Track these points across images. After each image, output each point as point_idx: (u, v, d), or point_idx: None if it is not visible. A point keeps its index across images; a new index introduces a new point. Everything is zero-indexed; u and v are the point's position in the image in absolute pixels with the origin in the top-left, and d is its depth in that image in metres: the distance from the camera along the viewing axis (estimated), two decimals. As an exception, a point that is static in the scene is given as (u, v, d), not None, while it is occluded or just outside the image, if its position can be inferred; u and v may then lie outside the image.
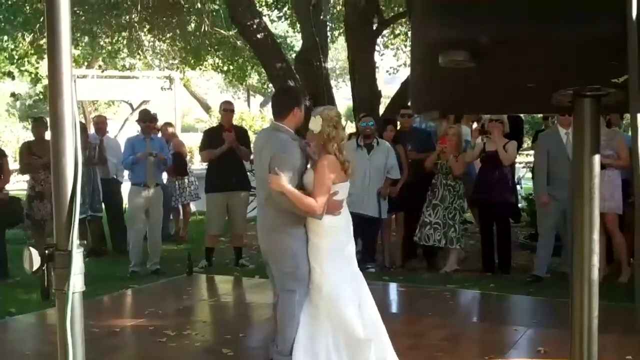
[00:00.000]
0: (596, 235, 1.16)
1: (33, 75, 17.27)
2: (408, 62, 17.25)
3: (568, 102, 1.15)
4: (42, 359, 5.91)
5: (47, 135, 9.52)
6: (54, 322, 5.33)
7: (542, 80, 1.06)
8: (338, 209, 5.02)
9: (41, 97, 19.88)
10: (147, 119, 9.74)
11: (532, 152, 13.01)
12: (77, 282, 1.70)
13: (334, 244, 5.02)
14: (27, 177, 9.70)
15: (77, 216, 1.68)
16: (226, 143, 9.33)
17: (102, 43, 17.05)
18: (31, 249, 1.68)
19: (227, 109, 9.94)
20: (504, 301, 7.84)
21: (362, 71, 11.70)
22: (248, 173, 9.86)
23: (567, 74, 1.05)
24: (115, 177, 11.14)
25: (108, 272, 8.96)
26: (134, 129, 14.59)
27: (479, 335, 6.64)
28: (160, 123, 11.77)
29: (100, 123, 11.34)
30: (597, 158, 1.15)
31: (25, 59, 16.58)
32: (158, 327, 6.64)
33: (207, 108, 29.97)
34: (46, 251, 1.69)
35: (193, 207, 13.53)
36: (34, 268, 1.68)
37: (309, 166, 5.10)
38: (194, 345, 6.14)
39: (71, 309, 1.69)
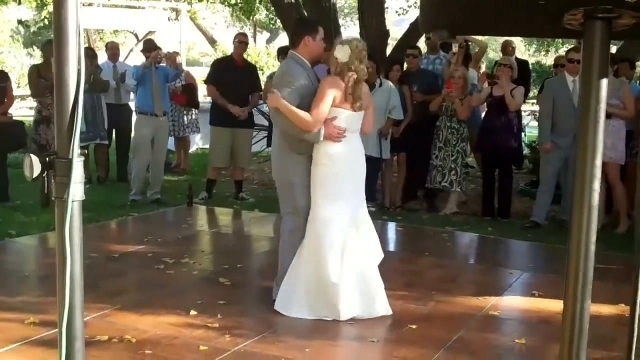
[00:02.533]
0: (598, 161, 1.15)
1: (39, 1, 17.10)
2: (418, 2, 17.06)
3: (579, 25, 1.13)
4: (40, 280, 5.98)
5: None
6: (53, 246, 5.39)
7: (553, -2, 1.05)
8: (337, 136, 4.99)
9: (46, 22, 19.72)
10: (152, 48, 9.67)
11: (535, 101, 12.93)
12: (76, 190, 1.71)
13: (329, 174, 5.03)
14: (32, 102, 9.66)
15: (78, 125, 1.68)
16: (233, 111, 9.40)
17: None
18: (32, 155, 1.68)
19: (242, 40, 9.87)
20: (501, 245, 7.89)
21: (370, 10, 11.57)
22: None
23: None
24: (127, 103, 11.05)
25: (108, 200, 9.01)
26: (138, 59, 14.48)
27: (474, 276, 6.70)
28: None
29: (114, 49, 11.30)
30: (604, 82, 1.14)
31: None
32: (156, 254, 6.70)
33: (212, 42, 29.71)
34: (47, 159, 1.69)
35: (197, 139, 13.59)
36: (34, 175, 1.68)
37: None
38: (192, 273, 6.19)
39: (70, 217, 1.70)
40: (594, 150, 1.14)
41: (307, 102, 5.05)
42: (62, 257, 1.71)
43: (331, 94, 4.95)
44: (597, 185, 1.16)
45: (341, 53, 4.99)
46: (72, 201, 1.71)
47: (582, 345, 1.21)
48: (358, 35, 11.11)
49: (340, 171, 5.03)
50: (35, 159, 1.68)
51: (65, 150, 1.69)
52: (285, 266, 5.21)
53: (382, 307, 5.10)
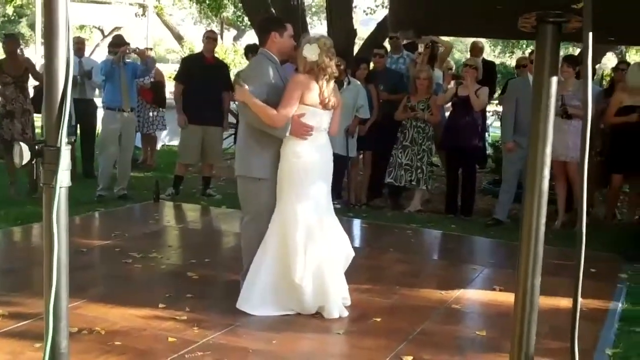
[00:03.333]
0: (548, 150, 1.27)
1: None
2: (386, 2, 17.18)
3: (532, 28, 1.25)
4: (6, 274, 5.98)
5: (20, 52, 9.47)
6: (22, 240, 5.41)
7: (509, 3, 1.17)
8: (303, 132, 5.02)
9: (12, 17, 19.54)
10: (120, 44, 9.68)
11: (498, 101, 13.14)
12: (64, 177, 1.80)
13: (296, 171, 5.06)
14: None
15: (67, 114, 1.77)
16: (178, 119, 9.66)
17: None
18: (22, 144, 1.76)
19: (210, 37, 9.92)
20: (464, 241, 8.06)
21: (338, 9, 11.68)
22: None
23: (532, -2, 1.16)
24: (92, 99, 11.02)
25: (75, 195, 8.92)
26: (104, 55, 14.45)
27: (437, 271, 6.86)
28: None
29: (79, 43, 11.20)
30: (554, 80, 1.26)
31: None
32: (124, 248, 6.75)
33: (179, 38, 29.61)
34: (36, 147, 1.78)
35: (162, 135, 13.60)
36: (24, 162, 1.77)
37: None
38: (160, 267, 6.26)
39: (58, 203, 1.80)
40: (544, 140, 1.27)
41: (275, 97, 5.10)
42: (49, 240, 1.80)
43: (299, 91, 5.00)
44: (546, 172, 1.28)
45: (310, 52, 5.03)
46: (60, 187, 1.80)
47: (532, 319, 1.33)
48: (325, 34, 11.24)
49: (307, 168, 5.06)
50: (24, 147, 1.76)
51: (54, 138, 1.78)
52: (249, 263, 5.26)
53: (335, 309, 5.08)
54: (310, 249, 5.01)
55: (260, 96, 5.06)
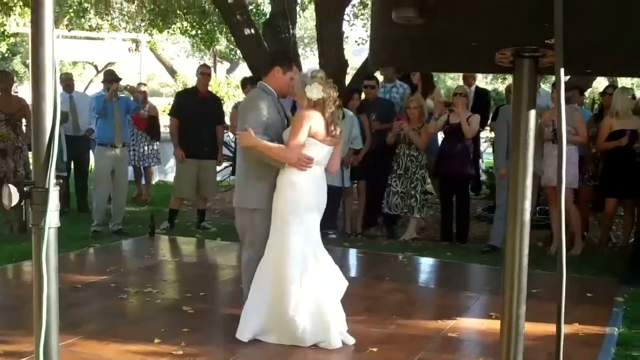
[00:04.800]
0: (529, 182, 1.29)
1: (0, 33, 17.06)
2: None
3: (509, 62, 1.28)
4: (4, 312, 5.98)
5: (15, 90, 9.50)
6: (15, 277, 5.40)
7: (485, 40, 1.19)
8: (303, 164, 5.05)
9: (6, 55, 19.62)
10: (112, 79, 9.73)
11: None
12: (52, 218, 1.81)
13: (291, 202, 5.08)
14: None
15: (54, 156, 1.79)
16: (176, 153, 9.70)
17: (69, 2, 16.87)
18: (10, 185, 1.78)
19: (204, 72, 9.98)
20: (460, 269, 8.05)
21: (329, 41, 11.75)
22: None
23: (507, 34, 1.18)
24: (85, 134, 11.05)
25: (69, 231, 8.94)
26: (98, 90, 14.51)
27: (433, 299, 6.86)
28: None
29: (68, 80, 11.25)
30: (532, 113, 1.28)
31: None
32: (119, 284, 6.74)
33: (172, 72, 29.76)
34: (25, 188, 1.79)
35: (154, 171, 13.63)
36: (13, 204, 1.78)
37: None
38: (155, 302, 6.24)
39: (47, 243, 1.81)
40: (524, 172, 1.29)
41: (273, 130, 5.18)
42: (38, 281, 1.81)
43: (308, 124, 5.04)
44: (527, 204, 1.30)
45: (313, 93, 5.07)
46: (49, 228, 1.81)
47: (518, 349, 1.34)
48: (317, 66, 11.31)
49: (302, 199, 5.09)
50: (13, 188, 1.78)
51: (42, 180, 1.80)
52: (246, 292, 5.28)
53: (337, 339, 5.08)
54: (305, 280, 5.01)
55: (257, 127, 5.11)
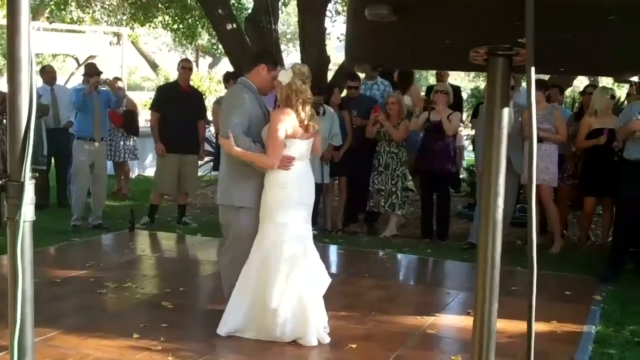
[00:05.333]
0: (502, 180, 1.30)
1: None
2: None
3: (483, 60, 1.28)
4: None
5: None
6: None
7: (459, 38, 1.20)
8: (285, 164, 5.08)
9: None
10: (93, 73, 9.69)
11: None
12: (28, 211, 1.81)
13: (278, 201, 5.11)
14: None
15: (30, 150, 1.78)
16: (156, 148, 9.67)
17: (50, -6, 16.77)
18: (-15, 179, 1.77)
19: (185, 66, 9.94)
20: (439, 266, 8.09)
21: (311, 36, 11.76)
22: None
23: (481, 33, 1.18)
24: (65, 127, 10.98)
25: (49, 226, 8.88)
26: (77, 83, 14.42)
27: (412, 296, 6.88)
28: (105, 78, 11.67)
29: (51, 72, 11.18)
30: (506, 111, 1.29)
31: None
32: (98, 278, 6.72)
33: (154, 66, 29.62)
34: (0, 181, 1.79)
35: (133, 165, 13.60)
36: (-12, 197, 1.78)
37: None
38: (134, 297, 6.23)
39: (22, 237, 1.80)
40: (497, 170, 1.29)
41: (256, 127, 5.21)
42: (13, 274, 1.80)
43: (283, 128, 5.06)
44: (500, 202, 1.31)
45: (283, 76, 5.13)
46: (24, 221, 1.81)
47: (491, 346, 1.35)
48: (299, 62, 11.31)
49: (290, 197, 5.11)
50: (-12, 182, 1.78)
51: (17, 173, 1.79)
52: (228, 288, 5.29)
53: (314, 337, 5.08)
54: (292, 277, 5.02)
55: (240, 129, 5.15)
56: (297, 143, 5.13)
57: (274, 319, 5.01)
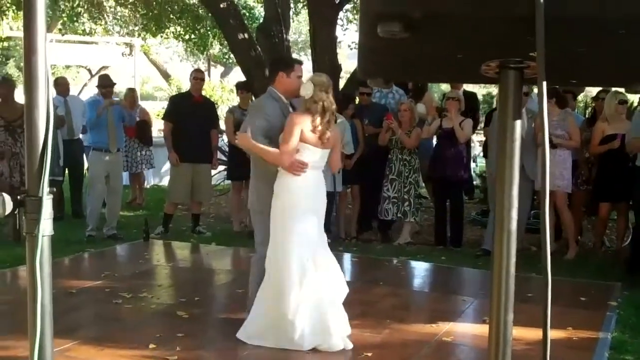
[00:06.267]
0: (515, 191, 1.31)
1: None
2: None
3: (495, 74, 1.30)
4: (-1, 317, 5.99)
5: (16, 95, 9.49)
6: (10, 283, 5.40)
7: (470, 52, 1.21)
8: (297, 169, 5.09)
9: (1, 59, 19.62)
10: (107, 84, 9.74)
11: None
12: (46, 226, 1.83)
13: (288, 208, 5.12)
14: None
15: (47, 165, 1.81)
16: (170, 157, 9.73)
17: (62, 6, 16.86)
18: (4, 194, 1.80)
19: (197, 77, 9.99)
20: (454, 273, 8.07)
21: (322, 45, 11.77)
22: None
23: (492, 47, 1.20)
24: (80, 138, 11.05)
25: (64, 236, 8.94)
26: (92, 94, 14.51)
27: (427, 304, 6.87)
28: (119, 90, 11.77)
29: (63, 84, 11.28)
30: (518, 123, 1.30)
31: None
32: (114, 289, 6.75)
33: (166, 76, 29.75)
34: (18, 197, 1.81)
35: (148, 175, 13.65)
36: (7, 212, 1.80)
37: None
38: (150, 307, 6.25)
39: (40, 251, 1.82)
40: (510, 182, 1.31)
41: (275, 134, 5.25)
42: (32, 288, 1.83)
43: (298, 128, 5.08)
44: (514, 213, 1.32)
45: (304, 90, 5.14)
46: (42, 236, 1.83)
47: (507, 356, 1.36)
48: (311, 70, 11.35)
49: (299, 205, 5.12)
50: (7, 197, 1.80)
51: (36, 188, 1.82)
52: (252, 295, 5.32)
53: (339, 341, 5.12)
54: (305, 284, 5.03)
55: (259, 131, 5.21)
56: (311, 150, 5.14)
57: (292, 327, 5.02)
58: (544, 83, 1.07)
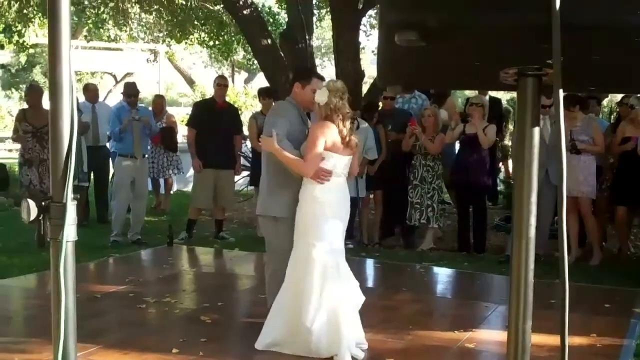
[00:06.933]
0: (534, 198, 1.32)
1: (20, 44, 17.24)
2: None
3: (513, 81, 1.30)
4: (24, 321, 6.07)
5: (44, 102, 9.62)
6: (36, 287, 5.46)
7: (487, 59, 1.22)
8: (321, 177, 5.09)
9: (26, 66, 19.84)
10: (132, 93, 9.80)
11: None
12: (70, 232, 1.86)
13: (313, 215, 5.12)
14: (10, 145, 9.73)
15: (71, 172, 1.84)
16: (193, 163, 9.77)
17: (87, 13, 17.03)
18: (29, 200, 1.83)
19: (221, 83, 10.04)
20: (477, 279, 8.04)
21: (346, 50, 11.79)
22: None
23: (509, 55, 1.21)
24: (105, 145, 11.15)
25: (89, 241, 8.97)
26: (117, 100, 14.64)
27: (450, 310, 6.85)
28: (144, 97, 11.85)
29: (92, 90, 11.39)
30: (536, 130, 1.31)
31: (13, 28, 16.57)
32: (138, 294, 6.79)
33: (191, 82, 29.95)
34: (42, 203, 1.84)
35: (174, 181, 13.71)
36: (31, 218, 1.83)
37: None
38: (173, 312, 6.29)
39: (64, 257, 1.85)
40: (529, 190, 1.31)
41: (296, 141, 5.26)
42: (56, 293, 1.85)
43: (322, 139, 5.08)
44: (533, 220, 1.32)
45: (319, 96, 5.14)
46: (67, 242, 1.86)
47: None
48: (334, 76, 11.37)
49: (324, 211, 5.11)
50: (32, 203, 1.82)
51: (60, 194, 1.84)
52: (270, 300, 5.33)
53: (347, 354, 5.01)
54: (325, 291, 5.02)
55: (283, 132, 5.23)
56: (336, 158, 5.14)
57: (309, 335, 5.01)
58: (560, 90, 1.08)
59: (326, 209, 5.13)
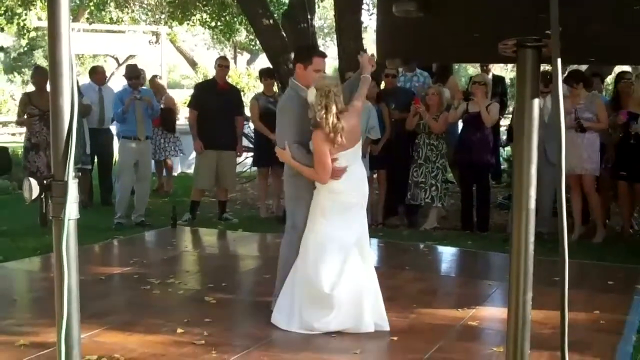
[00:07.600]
0: (534, 170, 1.32)
1: (21, 27, 17.20)
2: (395, 22, 17.24)
3: (512, 52, 1.30)
4: (29, 303, 6.09)
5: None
6: (40, 269, 5.48)
7: (486, 31, 1.21)
8: (338, 175, 5.17)
9: (27, 49, 19.81)
10: (134, 76, 9.78)
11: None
12: (72, 210, 1.86)
13: (330, 203, 5.21)
14: (13, 129, 9.77)
15: (73, 150, 1.84)
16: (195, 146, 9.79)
17: (89, -5, 17.01)
18: (31, 179, 1.83)
19: (222, 64, 10.02)
20: (480, 258, 8.05)
21: (348, 30, 11.74)
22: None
23: (508, 26, 1.20)
24: (109, 127, 11.14)
25: (93, 223, 8.99)
26: (119, 83, 14.61)
27: (454, 288, 6.86)
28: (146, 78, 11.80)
29: (100, 73, 11.41)
30: (536, 102, 1.30)
31: (13, 11, 16.53)
32: (142, 275, 6.81)
33: (193, 64, 29.86)
34: (44, 181, 1.85)
35: (176, 162, 13.72)
36: (33, 197, 1.84)
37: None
38: (178, 293, 6.31)
39: (67, 235, 1.86)
40: (529, 161, 1.31)
41: (306, 129, 5.27)
42: (59, 271, 1.86)
43: (326, 147, 5.11)
44: (533, 192, 1.32)
45: (309, 97, 5.17)
46: (69, 220, 1.86)
47: (525, 336, 1.37)
48: (337, 56, 11.34)
49: (341, 198, 5.22)
50: (34, 182, 1.83)
51: (61, 173, 1.85)
52: (282, 279, 5.36)
53: (370, 324, 5.18)
54: (347, 265, 5.10)
55: (292, 138, 5.29)
56: (346, 153, 5.21)
57: (328, 305, 5.09)
58: (559, 60, 1.08)
59: (343, 195, 5.24)
